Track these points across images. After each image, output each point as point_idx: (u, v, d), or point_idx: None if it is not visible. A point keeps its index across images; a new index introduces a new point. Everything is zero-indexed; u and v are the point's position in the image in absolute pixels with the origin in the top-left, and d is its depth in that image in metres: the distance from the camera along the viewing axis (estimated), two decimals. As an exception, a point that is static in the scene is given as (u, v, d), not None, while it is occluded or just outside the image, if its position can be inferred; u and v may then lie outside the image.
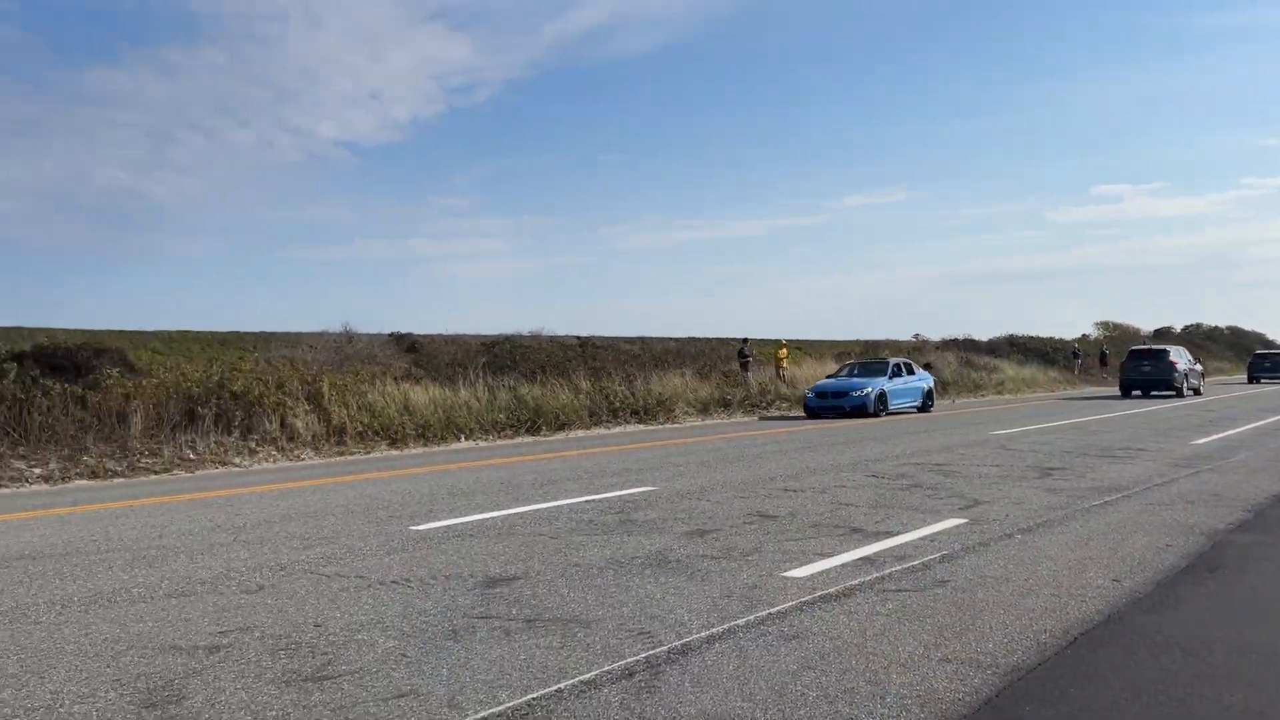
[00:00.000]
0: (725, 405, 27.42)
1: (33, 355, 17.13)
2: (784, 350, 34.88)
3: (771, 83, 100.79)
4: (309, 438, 17.44)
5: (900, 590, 5.98)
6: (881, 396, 25.24)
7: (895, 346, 47.30)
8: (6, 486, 12.86)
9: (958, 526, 8.27)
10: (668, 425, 24.30)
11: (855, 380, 26.22)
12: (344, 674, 4.45)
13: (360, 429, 18.49)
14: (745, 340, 34.01)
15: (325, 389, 18.75)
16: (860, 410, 24.58)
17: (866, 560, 6.89)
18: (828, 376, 28.45)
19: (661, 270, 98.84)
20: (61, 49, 75.50)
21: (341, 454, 17.17)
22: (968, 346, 51.73)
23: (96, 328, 32.98)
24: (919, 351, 46.25)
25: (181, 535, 8.45)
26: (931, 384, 28.43)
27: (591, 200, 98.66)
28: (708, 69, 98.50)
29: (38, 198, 78.66)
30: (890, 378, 26.36)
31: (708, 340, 44.04)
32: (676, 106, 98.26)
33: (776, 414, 27.64)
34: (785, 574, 6.45)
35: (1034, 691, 4.15)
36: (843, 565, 6.73)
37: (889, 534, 7.90)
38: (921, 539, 7.70)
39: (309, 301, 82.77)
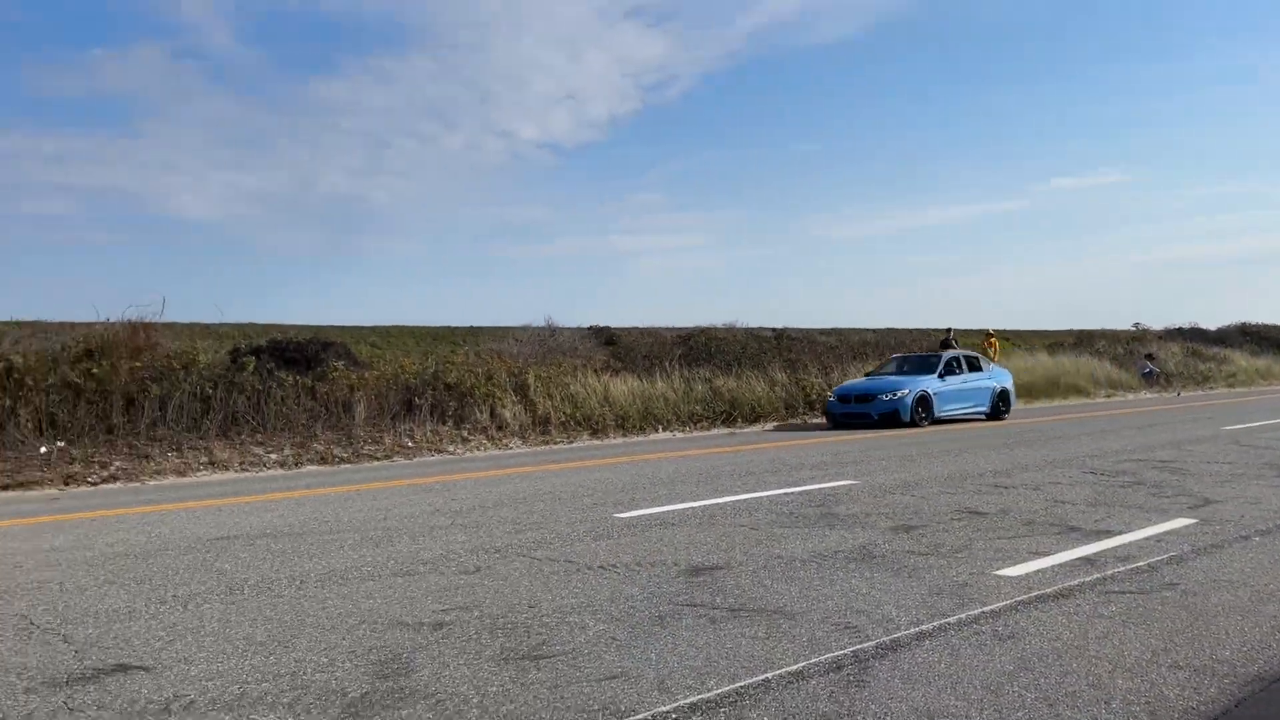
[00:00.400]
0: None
1: (268, 349, 18.49)
2: (994, 340, 33.54)
3: (972, 64, 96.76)
4: (516, 427, 18.19)
5: (1124, 592, 5.67)
6: (923, 400, 20.54)
7: (1112, 336, 44.65)
8: (248, 470, 14.02)
9: (1187, 526, 7.76)
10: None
11: (889, 380, 21.48)
12: (558, 654, 4.62)
13: (563, 419, 19.14)
14: (949, 330, 32.93)
15: (531, 381, 19.51)
16: (892, 418, 20.02)
17: (1086, 560, 6.57)
18: (866, 374, 23.99)
19: (859, 260, 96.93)
20: (286, 64, 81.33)
21: (546, 443, 17.78)
22: (1194, 336, 48.29)
23: (320, 323, 35.39)
24: (1139, 341, 43.56)
25: (404, 518, 8.97)
26: (1008, 384, 23.14)
27: (787, 191, 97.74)
28: (904, 54, 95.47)
29: (269, 204, 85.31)
30: (941, 376, 21.47)
31: (908, 331, 42.82)
32: (873, 93, 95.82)
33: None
34: (998, 572, 6.24)
35: (1278, 703, 3.86)
36: (1060, 565, 6.44)
37: (1110, 533, 7.50)
38: (1146, 539, 7.27)
39: (514, 297, 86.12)
